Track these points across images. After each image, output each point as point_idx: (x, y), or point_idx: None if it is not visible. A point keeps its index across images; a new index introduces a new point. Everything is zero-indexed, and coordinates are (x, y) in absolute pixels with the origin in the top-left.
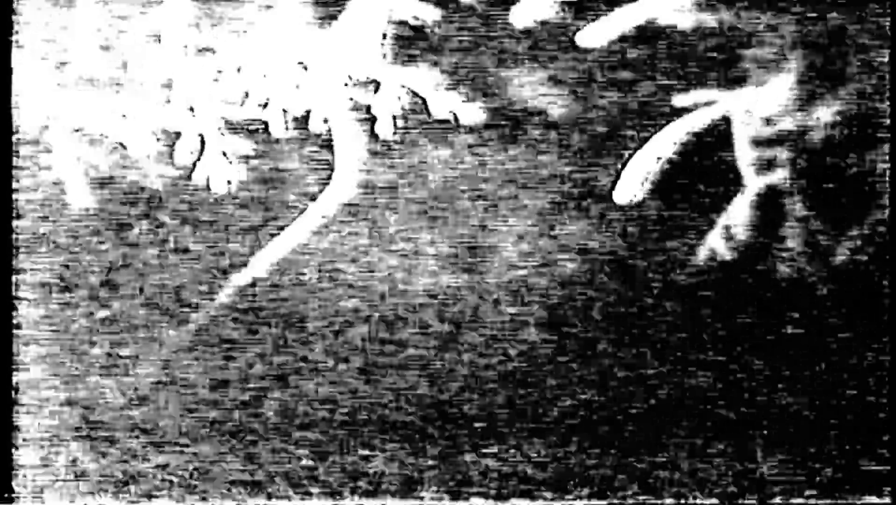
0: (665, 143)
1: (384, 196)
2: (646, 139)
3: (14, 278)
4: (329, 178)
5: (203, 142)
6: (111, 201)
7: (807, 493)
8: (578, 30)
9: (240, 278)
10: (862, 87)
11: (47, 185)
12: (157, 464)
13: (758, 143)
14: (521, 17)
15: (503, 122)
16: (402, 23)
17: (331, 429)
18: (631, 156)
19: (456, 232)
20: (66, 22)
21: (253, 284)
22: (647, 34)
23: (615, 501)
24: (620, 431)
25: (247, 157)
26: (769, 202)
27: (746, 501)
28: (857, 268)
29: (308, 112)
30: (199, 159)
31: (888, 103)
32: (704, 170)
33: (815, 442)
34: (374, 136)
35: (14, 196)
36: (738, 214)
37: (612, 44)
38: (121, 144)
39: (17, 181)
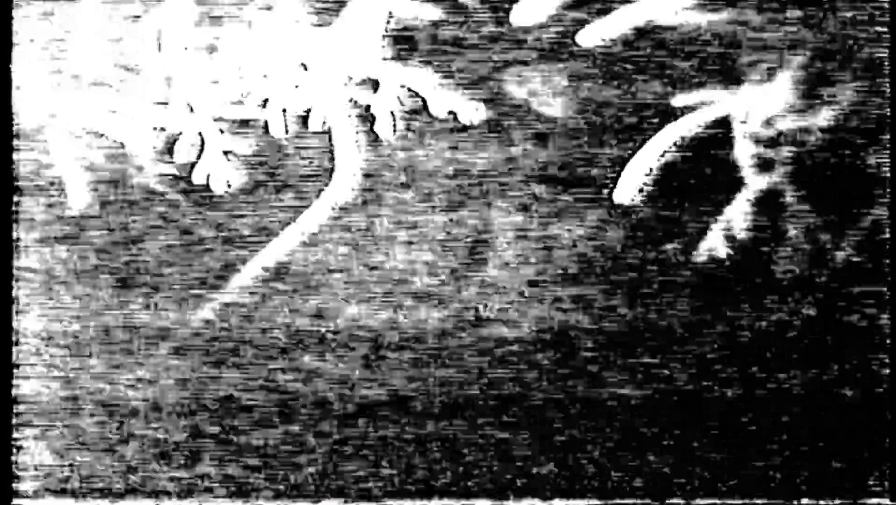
0: (665, 144)
1: (384, 195)
2: (646, 139)
3: (14, 278)
4: (329, 177)
5: (203, 141)
6: (111, 201)
7: (807, 493)
8: (578, 30)
9: (240, 278)
10: (862, 86)
11: (47, 185)
12: (158, 465)
13: (757, 142)
14: (521, 17)
15: (503, 122)
16: (403, 23)
17: (332, 429)
18: (631, 156)
19: (456, 231)
20: (66, 22)
21: (253, 285)
22: (647, 34)
23: (614, 501)
24: (619, 430)
25: (246, 157)
26: (769, 202)
27: (746, 502)
28: (857, 267)
29: (308, 112)
30: (198, 159)
31: (888, 103)
32: (704, 170)
33: (814, 442)
34: (373, 135)
35: (14, 196)
36: (738, 214)
37: (612, 44)
38: (121, 144)
39: (17, 181)
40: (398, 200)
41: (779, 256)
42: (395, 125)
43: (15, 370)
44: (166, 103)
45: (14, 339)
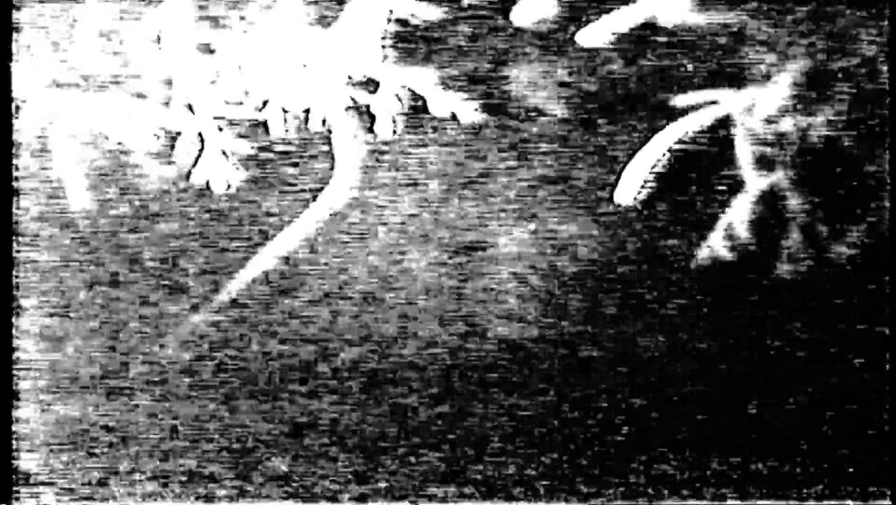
0: (665, 144)
1: (384, 196)
2: (646, 139)
3: (14, 279)
4: (328, 177)
5: (203, 141)
6: (111, 202)
7: (806, 493)
8: (578, 30)
9: (240, 278)
10: (862, 87)
11: (47, 185)
12: (157, 466)
13: (758, 143)
14: (521, 17)
15: (503, 122)
16: (402, 22)
17: (332, 436)
18: (631, 156)
19: (456, 232)
20: (66, 22)
21: (253, 285)
22: (648, 34)
23: (615, 502)
24: (619, 431)
25: (246, 157)
26: (770, 202)
27: (745, 502)
28: (858, 268)
29: (307, 112)
30: (198, 159)
31: (888, 104)
32: (704, 170)
33: (814, 442)
34: (373, 135)
35: (14, 197)
36: (739, 215)
37: (612, 44)
38: (121, 144)
39: (17, 182)
40: (398, 201)
41: (780, 256)
42: (395, 125)
43: (14, 370)
44: (166, 103)
45: (14, 339)
